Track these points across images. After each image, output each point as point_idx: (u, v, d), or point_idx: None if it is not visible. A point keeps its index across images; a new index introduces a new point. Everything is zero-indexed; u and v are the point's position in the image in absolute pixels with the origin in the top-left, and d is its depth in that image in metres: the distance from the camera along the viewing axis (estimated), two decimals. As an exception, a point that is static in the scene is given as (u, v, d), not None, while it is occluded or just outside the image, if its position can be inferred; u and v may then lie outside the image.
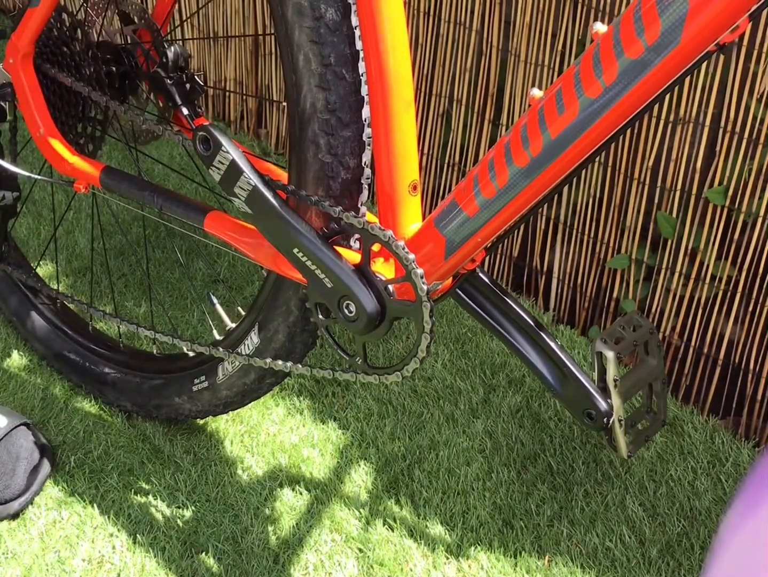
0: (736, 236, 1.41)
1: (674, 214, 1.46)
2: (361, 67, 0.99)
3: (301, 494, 1.30)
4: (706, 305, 1.48)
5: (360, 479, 1.33)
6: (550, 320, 1.64)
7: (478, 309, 1.05)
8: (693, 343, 1.50)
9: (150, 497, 1.29)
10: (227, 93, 2.09)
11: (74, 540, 1.24)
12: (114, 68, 1.27)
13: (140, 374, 1.40)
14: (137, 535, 1.24)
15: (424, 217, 1.01)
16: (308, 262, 1.02)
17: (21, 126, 1.31)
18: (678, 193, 1.45)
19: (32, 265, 1.59)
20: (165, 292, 1.66)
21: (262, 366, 1.16)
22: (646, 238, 1.52)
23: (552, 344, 1.02)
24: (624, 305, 1.56)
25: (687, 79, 1.37)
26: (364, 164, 1.04)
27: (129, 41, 1.29)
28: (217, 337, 1.29)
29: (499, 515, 1.28)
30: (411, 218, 1.01)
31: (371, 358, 1.51)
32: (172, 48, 1.24)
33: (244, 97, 2.07)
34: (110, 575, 1.20)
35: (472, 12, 1.58)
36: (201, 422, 1.40)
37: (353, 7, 0.97)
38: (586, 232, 1.58)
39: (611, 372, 0.97)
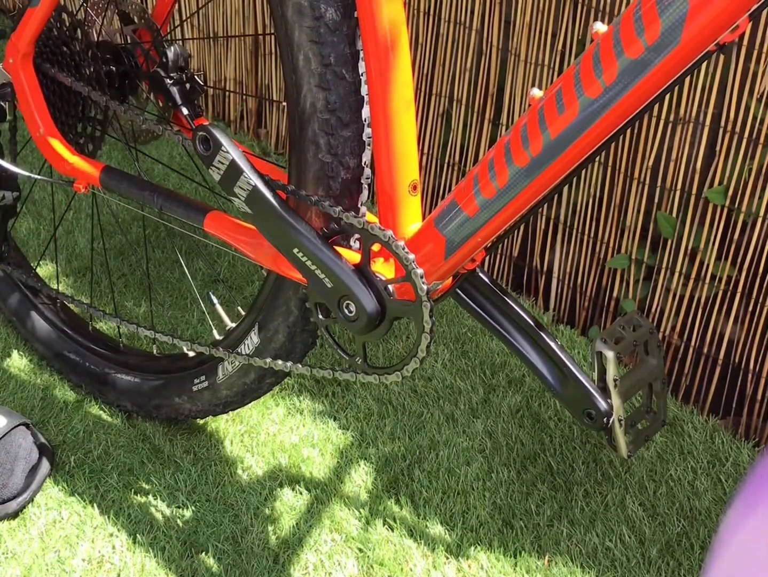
0: (736, 236, 1.41)
1: (674, 214, 1.46)
2: (361, 67, 0.99)
3: (301, 493, 1.30)
4: (706, 305, 1.48)
5: (360, 479, 1.33)
6: (550, 320, 1.64)
7: (478, 309, 1.05)
8: (693, 343, 1.50)
9: (150, 497, 1.29)
10: (227, 93, 2.09)
11: (74, 540, 1.24)
12: (114, 68, 1.27)
13: (140, 374, 1.40)
14: (137, 535, 1.24)
15: (424, 217, 1.01)
16: (308, 262, 1.02)
17: (21, 126, 1.31)
18: (678, 193, 1.45)
19: (32, 265, 1.59)
20: (165, 292, 1.66)
21: (262, 366, 1.16)
22: (646, 238, 1.52)
23: (552, 344, 1.02)
24: (624, 304, 1.56)
25: (687, 79, 1.37)
26: (364, 164, 1.04)
27: (129, 41, 1.29)
28: (217, 337, 1.29)
29: (499, 515, 1.28)
30: (411, 218, 1.01)
31: (371, 358, 1.51)
32: (172, 48, 1.24)
33: (244, 97, 2.07)
34: (110, 575, 1.20)
35: (472, 12, 1.58)
36: (201, 421, 1.40)
37: (353, 7, 0.97)
38: (586, 232, 1.58)
39: (611, 372, 0.97)
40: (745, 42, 1.31)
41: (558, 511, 1.28)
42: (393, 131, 0.96)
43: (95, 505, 1.28)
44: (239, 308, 1.28)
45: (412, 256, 0.96)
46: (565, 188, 1.57)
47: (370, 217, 1.07)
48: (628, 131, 1.45)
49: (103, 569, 1.20)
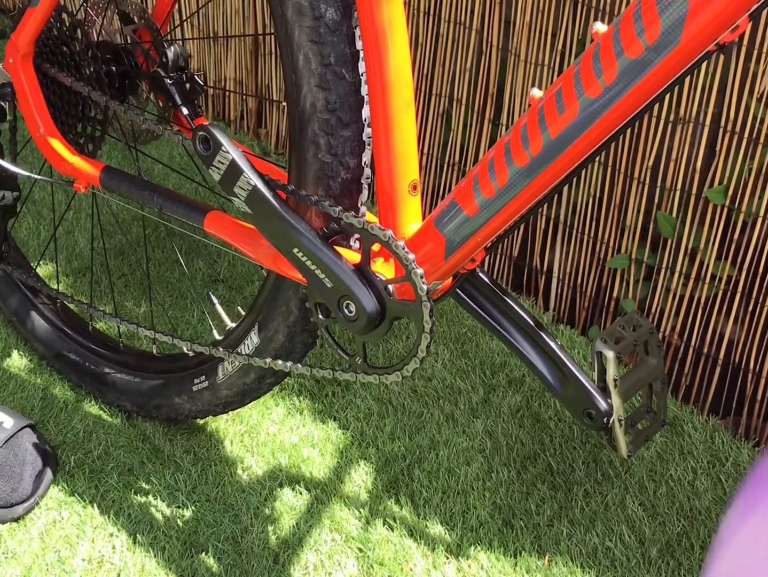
0: (736, 236, 1.41)
1: (674, 214, 1.46)
2: (361, 67, 0.99)
3: (301, 493, 1.30)
4: (706, 305, 1.48)
5: (360, 478, 1.33)
6: (550, 320, 1.64)
7: (478, 309, 1.05)
8: (693, 343, 1.50)
9: (150, 497, 1.29)
10: (227, 93, 2.09)
11: (74, 540, 1.24)
12: (114, 68, 1.27)
13: (140, 374, 1.40)
14: (137, 535, 1.24)
15: (424, 217, 1.01)
16: (308, 262, 1.02)
17: (21, 126, 1.31)
18: (678, 193, 1.45)
19: (32, 265, 1.59)
20: (165, 292, 1.66)
21: (262, 366, 1.16)
22: (646, 238, 1.52)
23: (552, 344, 1.02)
24: (624, 304, 1.56)
25: (687, 79, 1.37)
26: (364, 164, 1.04)
27: (129, 41, 1.29)
28: (217, 337, 1.29)
29: (499, 514, 1.28)
30: (411, 218, 1.01)
31: (371, 358, 1.51)
32: (172, 48, 1.24)
33: (244, 97, 2.07)
34: (110, 575, 1.20)
35: (472, 11, 1.58)
36: (201, 421, 1.40)
37: (353, 7, 0.97)
38: (586, 232, 1.58)
39: (611, 372, 0.97)
40: (745, 42, 1.31)
41: (558, 511, 1.28)
42: (393, 131, 0.96)
43: (95, 505, 1.28)
44: (239, 308, 1.28)
45: (412, 256, 0.96)
46: (565, 188, 1.57)
47: (370, 217, 1.07)
48: (628, 131, 1.45)
49: (103, 569, 1.20)
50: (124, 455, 1.35)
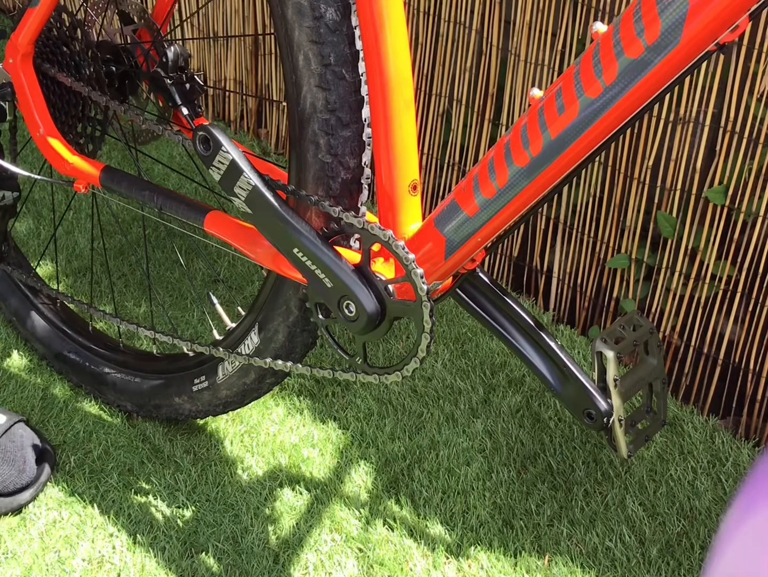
0: (736, 236, 1.41)
1: (674, 214, 1.46)
2: (361, 67, 0.99)
3: (301, 494, 1.30)
4: (706, 305, 1.48)
5: (360, 479, 1.33)
6: (550, 319, 1.64)
7: (478, 309, 1.05)
8: (693, 343, 1.50)
9: (150, 497, 1.29)
10: (227, 93, 2.09)
11: (74, 540, 1.24)
12: (114, 68, 1.27)
13: (140, 374, 1.40)
14: (137, 535, 1.24)
15: (424, 217, 1.01)
16: (308, 262, 1.02)
17: (21, 126, 1.31)
18: (678, 193, 1.45)
19: (32, 265, 1.59)
20: (165, 292, 1.66)
21: (262, 366, 1.16)
22: (646, 238, 1.52)
23: (552, 344, 1.02)
24: (624, 304, 1.56)
25: (687, 79, 1.37)
26: (364, 164, 1.04)
27: (129, 41, 1.29)
28: (217, 337, 1.29)
29: (499, 514, 1.28)
30: (411, 218, 1.01)
31: (371, 358, 1.51)
32: (172, 48, 1.24)
33: (244, 97, 2.07)
34: (110, 575, 1.20)
35: (472, 11, 1.58)
36: (201, 422, 1.40)
37: (353, 7, 0.97)
38: (586, 232, 1.58)
39: (611, 372, 0.97)
40: (745, 42, 1.31)
41: (558, 511, 1.28)
42: (393, 131, 0.96)
43: (95, 505, 1.28)
44: (239, 308, 1.28)
45: (412, 256, 0.96)
46: (565, 188, 1.57)
47: (370, 217, 1.07)
48: (628, 131, 1.45)
49: (103, 569, 1.20)
50: (124, 455, 1.35)
